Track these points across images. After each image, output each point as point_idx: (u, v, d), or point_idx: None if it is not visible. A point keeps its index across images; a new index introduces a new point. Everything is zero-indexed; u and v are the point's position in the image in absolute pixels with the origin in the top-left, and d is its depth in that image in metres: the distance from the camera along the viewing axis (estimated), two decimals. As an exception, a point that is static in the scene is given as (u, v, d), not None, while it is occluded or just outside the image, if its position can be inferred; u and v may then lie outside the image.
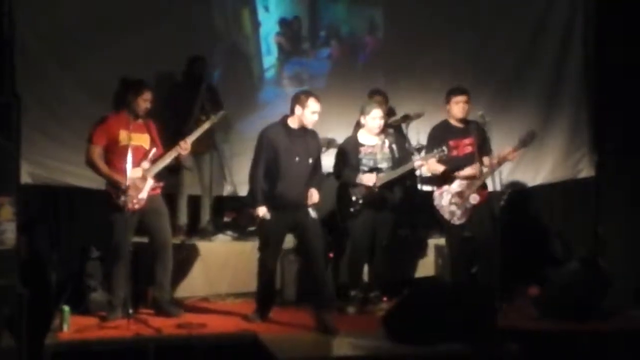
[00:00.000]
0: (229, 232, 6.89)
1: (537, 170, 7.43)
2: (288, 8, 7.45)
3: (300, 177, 5.49)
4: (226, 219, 7.03)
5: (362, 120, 6.04)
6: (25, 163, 6.23)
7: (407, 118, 6.86)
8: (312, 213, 5.51)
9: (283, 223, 5.51)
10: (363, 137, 6.05)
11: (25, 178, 6.24)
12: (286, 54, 7.42)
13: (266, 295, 5.69)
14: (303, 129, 5.51)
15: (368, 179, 5.90)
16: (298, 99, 5.49)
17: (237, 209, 7.06)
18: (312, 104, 5.45)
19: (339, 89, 7.26)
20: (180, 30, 6.81)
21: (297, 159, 5.46)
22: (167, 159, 5.70)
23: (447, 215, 5.97)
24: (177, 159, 5.82)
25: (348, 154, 6.02)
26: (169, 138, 5.92)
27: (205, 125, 5.86)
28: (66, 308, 5.31)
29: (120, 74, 6.37)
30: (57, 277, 5.96)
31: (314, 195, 5.53)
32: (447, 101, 6.07)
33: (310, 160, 5.55)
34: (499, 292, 5.69)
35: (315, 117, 5.49)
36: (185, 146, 5.68)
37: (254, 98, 7.35)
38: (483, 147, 6.01)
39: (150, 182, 5.62)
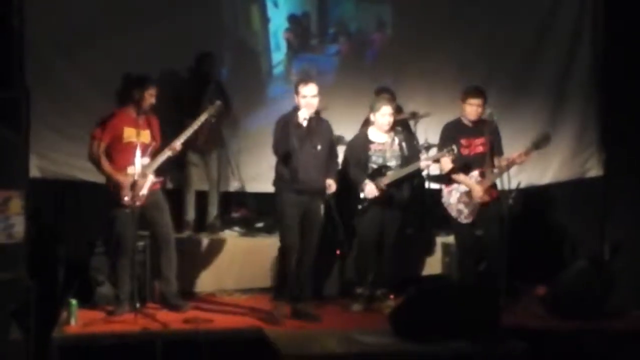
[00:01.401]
0: (237, 228, 6.90)
1: (544, 169, 7.41)
2: (297, 4, 7.45)
3: (315, 164, 5.55)
4: (234, 215, 7.04)
5: (372, 118, 6.04)
6: (34, 157, 6.25)
7: (414, 116, 6.86)
8: (322, 209, 5.62)
9: (299, 208, 5.55)
10: (373, 134, 6.05)
11: (34, 172, 6.26)
12: (295, 50, 7.41)
13: (291, 288, 5.61)
14: (313, 117, 5.56)
15: (369, 191, 5.88)
16: (295, 89, 5.61)
17: (245, 205, 7.07)
18: (303, 90, 5.53)
19: (347, 86, 7.26)
20: (188, 25, 6.80)
21: (310, 146, 5.51)
22: (160, 159, 5.68)
23: (454, 213, 5.97)
24: (170, 159, 5.76)
25: (357, 151, 6.02)
26: (175, 134, 5.90)
27: (202, 118, 5.80)
28: (73, 302, 5.33)
29: (129, 69, 6.37)
30: (65, 270, 5.99)
31: (332, 186, 5.64)
32: (463, 100, 6.01)
33: (324, 147, 5.61)
34: (505, 291, 5.69)
35: (313, 101, 5.52)
36: (175, 148, 5.67)
37: (262, 94, 7.35)
38: (495, 148, 5.98)
39: (150, 178, 5.62)
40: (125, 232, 5.54)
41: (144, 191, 5.58)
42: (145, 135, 5.69)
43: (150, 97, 5.64)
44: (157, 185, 5.72)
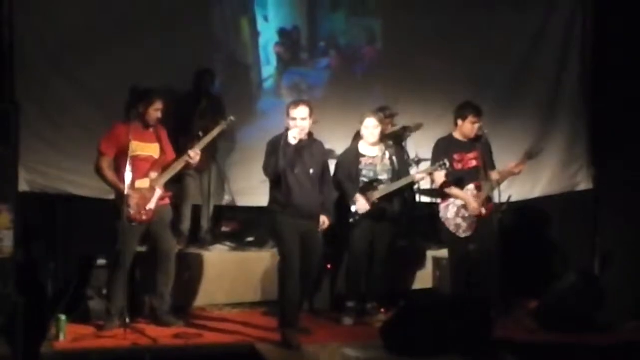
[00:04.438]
0: (227, 242, 6.87)
1: (535, 182, 7.44)
2: (287, 18, 7.47)
3: (309, 187, 5.42)
4: (224, 229, 7.02)
5: (361, 131, 6.07)
6: (24, 171, 6.21)
7: (406, 129, 6.88)
8: (320, 233, 5.54)
9: (297, 231, 5.39)
10: (363, 148, 6.07)
11: (23, 186, 6.21)
12: (285, 64, 7.43)
13: (294, 307, 5.43)
14: (306, 139, 5.44)
15: (361, 206, 5.88)
16: (286, 110, 5.44)
17: (236, 219, 7.06)
18: (293, 112, 5.37)
19: (337, 100, 7.27)
20: (179, 39, 6.81)
21: (303, 169, 5.39)
22: (176, 169, 5.66)
23: (452, 228, 5.95)
24: (186, 167, 5.74)
25: (348, 165, 6.02)
26: (176, 149, 5.86)
27: (216, 132, 5.78)
28: (62, 317, 5.29)
29: (119, 82, 6.37)
30: (54, 285, 5.95)
31: (325, 223, 5.55)
32: (462, 118, 5.94)
33: (317, 170, 5.48)
34: (497, 305, 5.69)
35: (303, 124, 5.34)
36: (194, 155, 5.62)
37: (253, 108, 7.35)
38: (487, 162, 5.98)
39: (158, 193, 5.59)
40: (125, 246, 5.48)
41: (152, 205, 5.53)
42: (154, 149, 5.64)
43: (155, 112, 5.59)
44: (166, 200, 5.68)
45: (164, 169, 5.65)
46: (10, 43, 6.30)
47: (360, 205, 5.90)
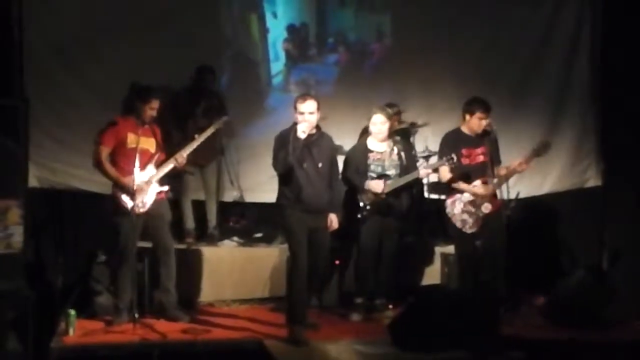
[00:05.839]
0: (235, 238, 6.88)
1: (543, 179, 7.43)
2: (296, 14, 7.47)
3: (318, 182, 5.43)
4: (233, 225, 7.03)
5: (369, 127, 6.07)
6: (33, 167, 6.24)
7: (413, 126, 6.89)
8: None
9: (306, 226, 5.40)
10: (372, 143, 6.07)
11: (32, 182, 6.24)
12: (294, 60, 7.43)
13: (302, 303, 5.45)
14: (314, 133, 5.44)
15: (375, 186, 5.91)
16: (294, 104, 5.43)
17: (244, 214, 7.07)
18: (300, 107, 5.37)
19: (346, 96, 7.28)
20: (188, 36, 6.82)
21: (312, 164, 5.40)
22: (164, 170, 5.69)
23: (458, 224, 5.95)
24: (174, 170, 5.77)
25: (356, 160, 6.03)
26: (171, 146, 5.90)
27: (209, 131, 5.82)
28: (72, 312, 5.32)
29: (128, 79, 6.37)
30: (63, 280, 5.98)
31: (333, 222, 5.55)
32: (470, 112, 5.95)
33: (325, 164, 5.48)
34: (505, 301, 5.68)
35: (311, 118, 5.34)
36: (180, 160, 5.68)
37: (261, 104, 7.36)
38: (494, 157, 5.97)
39: (155, 186, 5.63)
40: (128, 240, 5.52)
41: (149, 198, 5.58)
42: (151, 143, 5.69)
43: (150, 110, 5.64)
44: (162, 195, 5.72)
45: (159, 164, 5.69)
46: (19, 41, 6.32)
47: (374, 185, 5.88)
